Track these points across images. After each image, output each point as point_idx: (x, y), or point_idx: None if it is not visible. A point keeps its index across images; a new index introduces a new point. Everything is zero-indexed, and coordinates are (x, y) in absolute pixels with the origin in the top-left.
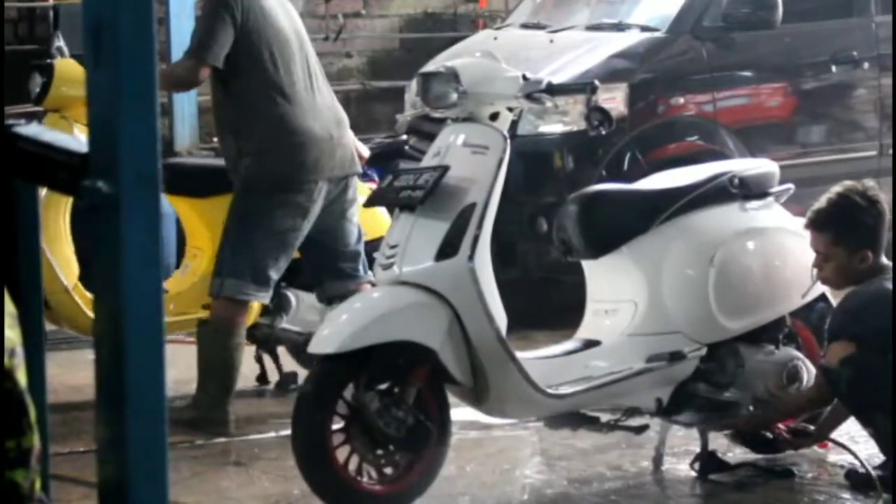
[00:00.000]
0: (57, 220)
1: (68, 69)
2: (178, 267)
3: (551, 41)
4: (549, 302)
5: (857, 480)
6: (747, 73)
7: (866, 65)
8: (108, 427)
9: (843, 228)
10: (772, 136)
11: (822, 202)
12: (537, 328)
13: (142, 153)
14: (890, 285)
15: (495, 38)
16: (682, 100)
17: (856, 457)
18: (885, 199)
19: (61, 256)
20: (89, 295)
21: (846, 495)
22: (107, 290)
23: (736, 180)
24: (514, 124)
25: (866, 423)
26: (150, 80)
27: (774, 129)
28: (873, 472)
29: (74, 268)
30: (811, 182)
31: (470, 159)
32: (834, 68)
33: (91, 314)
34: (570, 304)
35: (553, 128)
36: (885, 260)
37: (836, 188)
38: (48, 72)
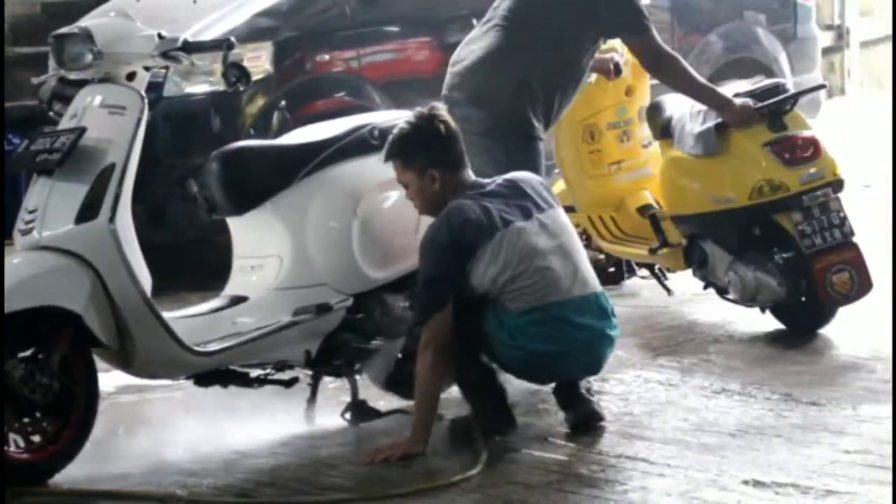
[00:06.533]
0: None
1: None
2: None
3: (194, 2)
4: (202, 263)
5: (458, 430)
6: (392, 29)
7: None
8: None
9: (404, 152)
10: (418, 89)
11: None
12: (191, 290)
13: None
14: (468, 202)
15: (138, 0)
16: (327, 56)
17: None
18: (449, 117)
19: None
20: None
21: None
22: None
23: (376, 132)
24: (159, 86)
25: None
26: None
27: (420, 83)
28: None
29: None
30: None
31: (107, 120)
32: (475, 22)
33: None
34: (224, 265)
35: (199, 88)
36: (468, 176)
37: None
38: None
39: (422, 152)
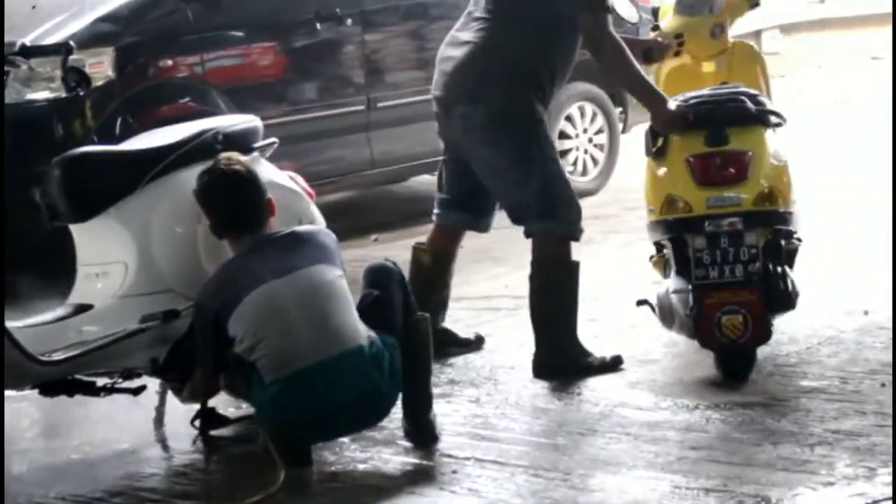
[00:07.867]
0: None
1: None
2: None
3: (34, 7)
4: (47, 271)
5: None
6: (235, 34)
7: (349, 21)
8: None
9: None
10: (263, 94)
11: None
12: (36, 299)
13: None
14: (233, 264)
15: None
16: (171, 62)
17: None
18: (240, 176)
19: None
20: None
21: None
22: None
23: (220, 136)
24: None
25: None
26: None
27: (265, 87)
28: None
29: None
30: (304, 138)
31: None
32: (319, 26)
33: None
34: (71, 273)
35: (41, 94)
36: (255, 235)
37: None
38: None
39: (199, 204)
